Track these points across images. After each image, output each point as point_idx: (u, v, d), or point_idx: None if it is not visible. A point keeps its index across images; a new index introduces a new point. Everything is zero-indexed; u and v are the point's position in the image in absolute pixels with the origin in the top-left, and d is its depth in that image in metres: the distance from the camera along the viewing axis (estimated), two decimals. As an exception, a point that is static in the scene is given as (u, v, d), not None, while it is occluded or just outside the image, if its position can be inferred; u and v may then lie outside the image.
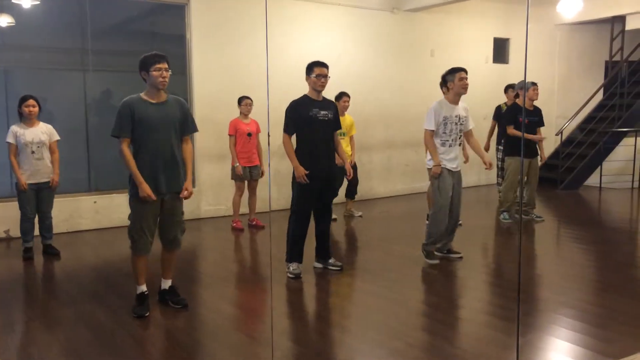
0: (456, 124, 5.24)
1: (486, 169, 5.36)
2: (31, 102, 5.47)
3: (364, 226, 7.34)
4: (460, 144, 5.35)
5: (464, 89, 5.18)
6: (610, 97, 10.68)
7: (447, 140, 5.23)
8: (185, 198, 4.12)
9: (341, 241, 6.61)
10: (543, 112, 7.24)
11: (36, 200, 5.61)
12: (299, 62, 7.39)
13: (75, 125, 7.06)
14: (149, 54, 3.92)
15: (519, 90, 6.97)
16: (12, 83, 6.86)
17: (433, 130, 5.22)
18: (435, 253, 5.47)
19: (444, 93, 5.59)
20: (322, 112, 4.86)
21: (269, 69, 7.64)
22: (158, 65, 3.87)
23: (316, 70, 4.83)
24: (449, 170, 5.25)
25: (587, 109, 10.66)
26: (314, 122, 4.83)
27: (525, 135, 6.84)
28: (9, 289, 4.87)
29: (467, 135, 5.43)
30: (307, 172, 4.77)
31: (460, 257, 5.45)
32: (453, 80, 5.17)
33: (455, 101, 5.25)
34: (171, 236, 4.16)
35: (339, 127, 5.12)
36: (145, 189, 3.88)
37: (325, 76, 4.84)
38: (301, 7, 8.17)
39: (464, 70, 5.20)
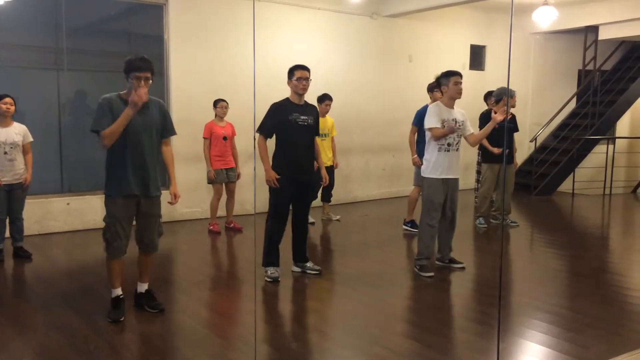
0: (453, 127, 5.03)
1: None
2: (8, 100, 5.35)
3: (342, 230, 7.34)
4: (457, 149, 5.13)
5: (459, 93, 5.04)
6: (583, 105, 10.89)
7: (443, 145, 5.02)
8: (172, 203, 4.06)
9: (319, 245, 6.59)
10: (517, 119, 7.34)
11: (7, 202, 5.48)
12: (279, 65, 7.35)
13: (48, 125, 6.90)
14: (134, 58, 3.80)
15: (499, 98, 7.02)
16: (-17, 81, 6.68)
17: (433, 128, 4.99)
18: (437, 263, 5.35)
19: (430, 98, 5.56)
20: (302, 117, 4.84)
21: (248, 71, 7.59)
22: (138, 74, 3.76)
23: (297, 73, 4.81)
24: (442, 180, 5.06)
25: (560, 116, 10.86)
26: (293, 126, 4.81)
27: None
28: (-23, 292, 4.73)
29: (470, 138, 5.21)
30: (278, 176, 4.76)
31: (463, 267, 5.30)
32: (447, 84, 5.03)
33: (450, 105, 5.09)
34: (148, 239, 4.09)
35: (318, 134, 5.10)
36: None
37: (307, 79, 4.83)
38: (281, 10, 8.14)
39: (459, 74, 5.05)
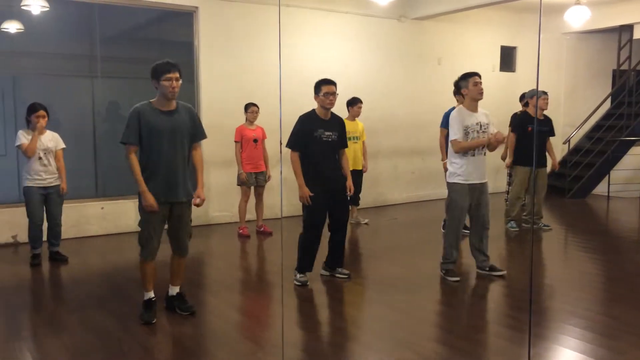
0: (478, 132, 4.91)
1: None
2: (42, 112, 5.47)
3: (370, 234, 7.32)
4: (484, 154, 5.01)
5: (480, 94, 4.91)
6: (618, 105, 10.64)
7: (468, 150, 4.92)
8: (198, 205, 4.13)
9: (348, 249, 6.57)
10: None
11: (44, 207, 5.62)
12: (307, 69, 7.41)
13: (82, 132, 7.09)
14: (160, 62, 3.91)
15: (528, 99, 6.93)
16: (20, 90, 6.88)
17: (455, 141, 4.88)
18: (478, 271, 5.23)
19: (457, 101, 5.45)
20: (327, 133, 4.85)
21: (275, 76, 7.63)
22: (168, 75, 3.85)
23: (324, 88, 4.81)
24: (469, 185, 4.94)
25: (594, 117, 10.62)
26: (318, 142, 4.83)
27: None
28: (16, 294, 4.87)
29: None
30: (311, 194, 4.75)
31: (503, 275, 5.13)
32: (467, 86, 4.92)
33: (473, 108, 4.95)
34: (179, 243, 4.17)
35: (344, 146, 5.08)
36: (149, 199, 3.88)
37: (334, 94, 4.83)
38: (309, 15, 8.18)
39: (477, 74, 4.94)
